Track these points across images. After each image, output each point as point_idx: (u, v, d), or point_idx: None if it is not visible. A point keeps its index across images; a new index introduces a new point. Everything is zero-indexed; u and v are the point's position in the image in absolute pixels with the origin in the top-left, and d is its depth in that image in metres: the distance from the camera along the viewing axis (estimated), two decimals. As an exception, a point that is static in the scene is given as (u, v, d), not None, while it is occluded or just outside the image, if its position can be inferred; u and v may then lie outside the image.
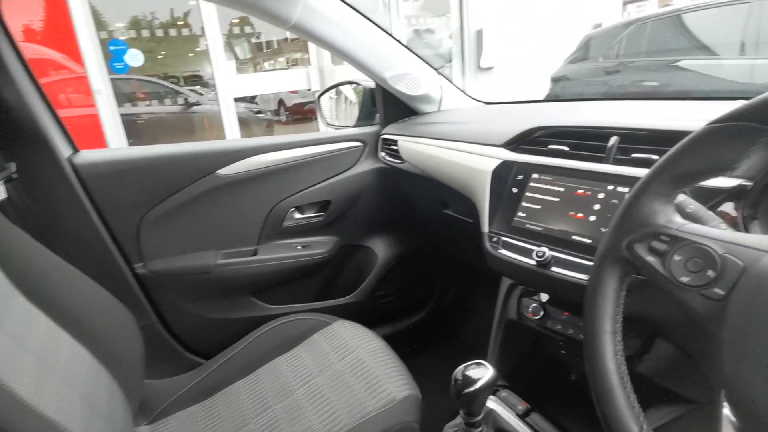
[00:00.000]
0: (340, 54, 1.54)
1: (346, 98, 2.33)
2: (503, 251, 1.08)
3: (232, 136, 5.27)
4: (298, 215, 1.81)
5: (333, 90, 2.34)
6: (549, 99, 1.61)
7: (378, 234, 1.94)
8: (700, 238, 0.57)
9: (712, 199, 0.83)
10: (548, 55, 5.61)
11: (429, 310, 2.09)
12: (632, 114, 1.17)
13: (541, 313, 1.13)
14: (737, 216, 0.80)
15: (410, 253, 1.96)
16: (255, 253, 1.74)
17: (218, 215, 1.68)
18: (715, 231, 0.57)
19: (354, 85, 1.99)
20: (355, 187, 1.82)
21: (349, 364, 1.19)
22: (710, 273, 0.54)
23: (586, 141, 1.05)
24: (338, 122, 2.12)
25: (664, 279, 0.58)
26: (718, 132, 0.56)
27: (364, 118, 1.91)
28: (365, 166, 1.83)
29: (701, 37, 3.80)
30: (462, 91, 1.84)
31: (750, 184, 0.80)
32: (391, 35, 1.61)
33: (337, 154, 1.79)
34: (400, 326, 2.03)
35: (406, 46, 1.67)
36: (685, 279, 0.56)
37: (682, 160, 0.59)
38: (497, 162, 1.18)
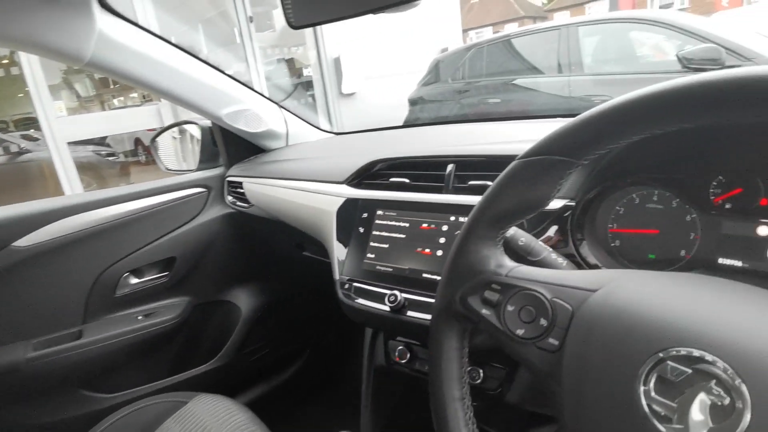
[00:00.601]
0: (158, 92, 1.35)
1: (191, 137, 2.10)
2: (358, 299, 0.98)
3: (70, 185, 4.57)
4: (134, 280, 1.54)
5: (176, 129, 2.09)
6: (398, 126, 1.57)
7: (237, 286, 1.74)
8: (529, 283, 0.52)
9: (540, 223, 0.83)
10: (406, 79, 5.89)
11: (306, 359, 1.93)
12: (469, 139, 1.18)
13: (408, 355, 1.06)
14: (569, 239, 0.81)
15: (277, 301, 1.79)
16: (79, 336, 1.43)
17: (23, 297, 1.35)
18: (543, 272, 0.53)
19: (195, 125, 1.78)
20: (204, 238, 1.61)
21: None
22: (543, 322, 0.50)
23: (425, 171, 1.02)
24: (178, 166, 1.88)
25: (501, 333, 0.53)
26: (526, 167, 0.52)
27: (207, 160, 1.72)
28: (212, 213, 1.63)
29: (529, 58, 4.29)
30: (309, 123, 1.75)
31: (573, 203, 0.82)
32: (221, 71, 1.46)
33: (177, 204, 1.57)
34: (275, 382, 1.83)
35: (241, 82, 1.53)
36: (520, 331, 0.51)
37: (498, 200, 0.54)
38: (341, 200, 1.10)
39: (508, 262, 0.56)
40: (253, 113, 1.54)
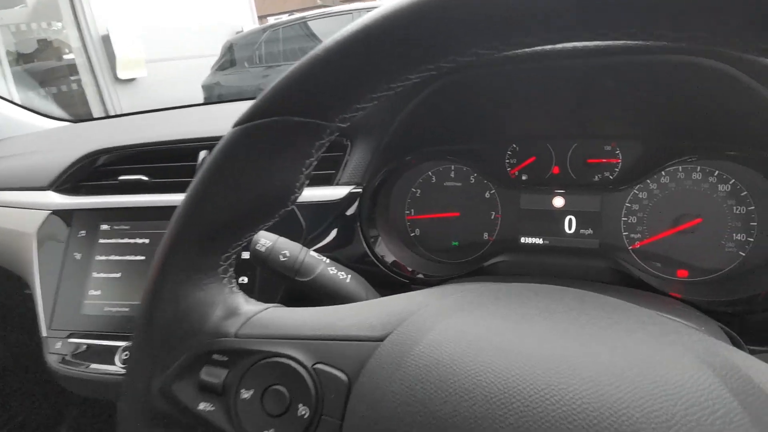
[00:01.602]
0: None
1: None
2: (78, 366, 0.65)
3: None
4: None
5: None
6: (162, 108, 1.18)
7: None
8: (273, 344, 0.30)
9: (320, 220, 0.63)
10: (199, 63, 5.23)
11: (68, 428, 1.44)
12: (227, 117, 0.90)
13: None
14: (359, 238, 0.63)
15: None
16: None
17: None
18: (299, 318, 0.32)
19: None
20: None
21: None
22: (303, 411, 0.28)
23: (169, 163, 0.72)
24: None
25: None
26: (249, 137, 0.29)
27: None
28: None
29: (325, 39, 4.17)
30: (28, 109, 1.25)
31: (359, 190, 0.64)
32: None
33: None
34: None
35: None
36: None
37: (212, 200, 0.30)
38: (44, 215, 0.73)
39: (246, 307, 0.33)
40: None
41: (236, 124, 0.30)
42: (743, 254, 0.58)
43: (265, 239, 0.46)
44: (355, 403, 0.27)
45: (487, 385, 0.24)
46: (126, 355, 0.59)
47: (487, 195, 0.68)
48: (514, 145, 0.67)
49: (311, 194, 0.64)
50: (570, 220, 0.64)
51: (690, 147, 0.57)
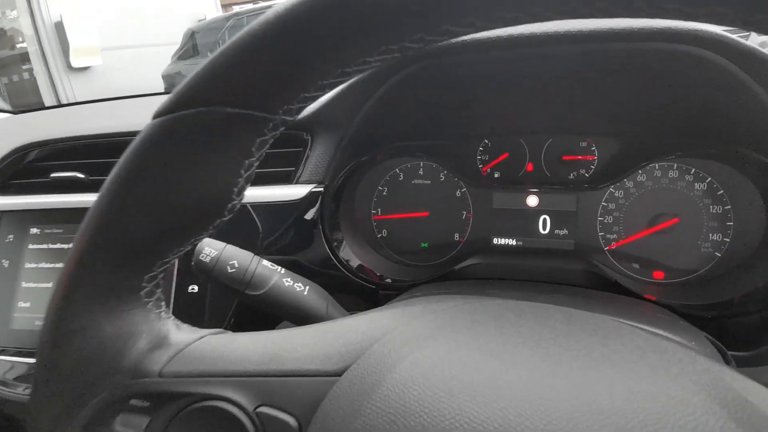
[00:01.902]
0: None
1: None
2: (11, 389, 0.58)
3: None
4: None
5: None
6: (112, 98, 1.08)
7: None
8: (207, 384, 0.25)
9: (279, 223, 0.58)
10: (159, 51, 5.01)
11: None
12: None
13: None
14: (322, 242, 0.58)
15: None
16: None
17: None
18: (240, 349, 0.26)
19: None
20: None
21: None
22: None
23: (110, 158, 0.65)
24: None
25: None
26: (172, 136, 0.24)
27: None
28: None
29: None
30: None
31: (321, 189, 0.58)
32: None
33: None
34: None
35: None
36: None
37: (128, 212, 0.25)
38: (-38, 219, 0.65)
39: (176, 336, 0.28)
40: None
41: (154, 116, 0.24)
42: (719, 255, 0.56)
43: (210, 248, 0.41)
44: None
45: None
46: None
47: (457, 194, 0.64)
48: (486, 141, 0.63)
49: (268, 194, 0.58)
50: (544, 220, 0.61)
51: (668, 144, 0.55)
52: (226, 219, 0.26)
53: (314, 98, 0.24)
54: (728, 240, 0.55)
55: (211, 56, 0.23)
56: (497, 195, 0.62)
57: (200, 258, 0.40)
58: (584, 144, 0.60)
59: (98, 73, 5.15)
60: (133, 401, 0.25)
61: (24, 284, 0.61)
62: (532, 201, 0.61)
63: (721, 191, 0.55)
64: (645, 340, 0.25)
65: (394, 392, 0.22)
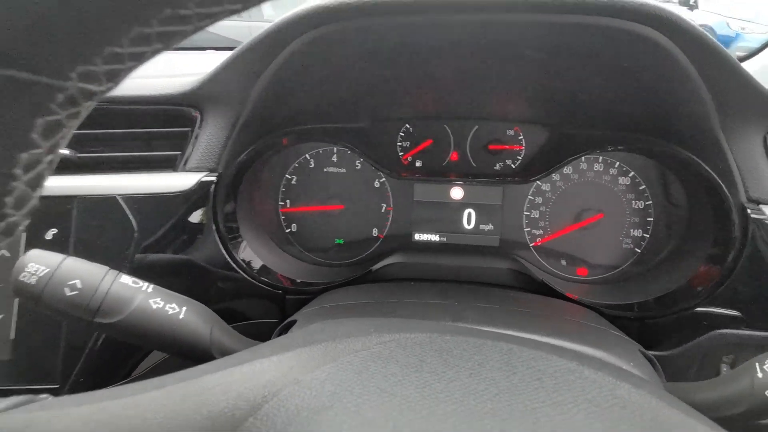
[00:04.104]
0: None
1: None
2: None
3: None
4: None
5: None
6: None
7: None
8: None
9: (161, 222, 0.47)
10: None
11: None
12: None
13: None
14: (215, 240, 0.48)
15: None
16: None
17: None
18: (63, 424, 0.17)
19: None
20: None
21: None
22: None
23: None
24: None
25: None
26: None
27: None
28: None
29: None
30: None
31: (214, 177, 0.48)
32: None
33: None
34: None
35: None
36: None
37: None
38: None
39: None
40: None
41: None
42: (638, 251, 0.55)
43: (36, 264, 0.29)
44: None
45: None
46: None
47: (376, 184, 0.57)
48: (407, 126, 0.56)
49: (146, 184, 0.47)
50: (469, 214, 0.56)
51: (597, 136, 0.52)
52: None
53: (137, 57, 0.15)
54: (648, 236, 0.54)
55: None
56: (419, 186, 0.56)
57: (21, 279, 0.29)
58: (511, 132, 0.55)
59: None
60: None
61: None
62: (457, 193, 0.56)
63: (643, 186, 0.54)
64: (593, 383, 0.20)
65: None
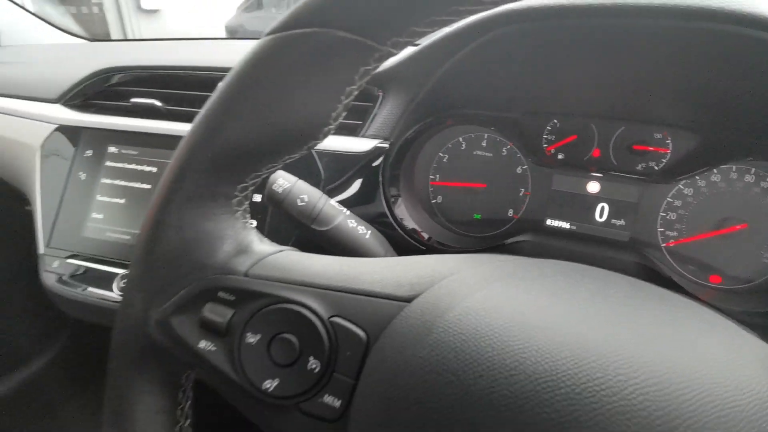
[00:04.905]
0: None
1: None
2: (75, 287, 0.63)
3: None
4: None
5: None
6: (186, 38, 1.12)
7: None
8: (287, 289, 0.27)
9: (340, 173, 0.59)
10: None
11: (60, 347, 1.45)
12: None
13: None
14: (380, 196, 0.59)
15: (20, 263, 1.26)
16: None
17: None
18: (317, 265, 0.28)
19: None
20: None
21: None
22: (313, 364, 0.26)
23: (188, 91, 0.68)
24: None
25: (233, 386, 0.27)
26: (283, 50, 0.25)
27: None
28: None
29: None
30: (46, 21, 1.20)
31: (386, 145, 0.60)
32: None
33: None
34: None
35: None
36: (269, 384, 0.26)
37: (231, 121, 0.26)
38: (50, 129, 0.69)
39: (259, 246, 0.30)
40: None
41: (269, 33, 0.26)
42: (782, 267, 0.54)
43: (283, 179, 0.43)
44: (373, 364, 0.24)
45: (531, 365, 0.20)
46: (124, 282, 0.56)
47: (518, 170, 0.64)
48: (555, 121, 0.62)
49: (333, 144, 0.59)
50: (602, 208, 0.60)
51: (750, 145, 0.52)
52: (319, 142, 0.27)
53: (421, 34, 0.25)
54: (795, 254, 0.53)
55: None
56: (558, 176, 0.62)
57: (273, 188, 0.42)
58: (659, 136, 0.58)
59: (164, 16, 5.27)
60: (221, 294, 0.27)
61: (99, 198, 0.65)
62: (593, 187, 0.60)
63: (798, 203, 0.53)
64: (716, 318, 0.25)
65: (465, 317, 0.23)
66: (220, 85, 0.26)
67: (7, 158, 0.74)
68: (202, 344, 0.27)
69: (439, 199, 0.67)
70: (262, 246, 0.30)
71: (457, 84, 0.57)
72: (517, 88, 0.60)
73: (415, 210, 0.64)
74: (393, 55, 0.25)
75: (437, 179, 0.67)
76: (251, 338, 0.26)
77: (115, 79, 0.72)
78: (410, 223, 0.61)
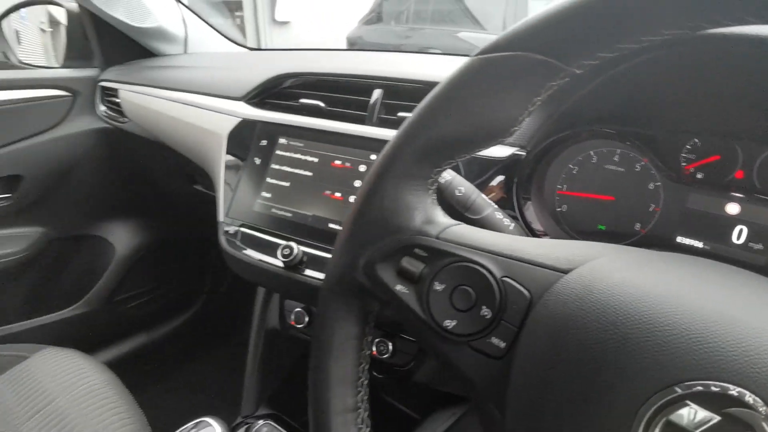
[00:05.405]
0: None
1: (59, 24, 1.67)
2: (245, 250, 0.77)
3: None
4: (-40, 199, 1.19)
5: (45, 16, 1.65)
6: (328, 48, 1.28)
7: (111, 219, 1.44)
8: (470, 252, 0.34)
9: (481, 173, 0.66)
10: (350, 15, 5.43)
11: (197, 310, 1.69)
12: (404, 67, 0.96)
13: (306, 320, 0.88)
14: (513, 198, 0.65)
15: (162, 241, 1.52)
16: None
17: None
18: (492, 238, 0.36)
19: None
20: (64, 156, 1.28)
21: (43, 422, 0.76)
22: (486, 312, 0.33)
23: (345, 95, 0.80)
24: (37, 59, 1.47)
25: (420, 322, 0.35)
26: (487, 69, 0.33)
27: (76, 57, 1.34)
28: (77, 125, 1.29)
29: (475, 12, 4.07)
30: (219, 32, 1.43)
31: (523, 153, 0.65)
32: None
33: (29, 106, 1.21)
34: (156, 335, 1.59)
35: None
36: (449, 323, 0.34)
37: (437, 120, 0.35)
38: (235, 121, 0.85)
39: (442, 218, 0.38)
40: (137, 1, 1.20)
41: (479, 53, 0.33)
42: None
43: (446, 173, 0.51)
44: (537, 316, 0.30)
45: (685, 324, 0.25)
46: (287, 251, 0.68)
47: (650, 186, 0.65)
48: (696, 140, 0.63)
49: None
50: (740, 230, 0.60)
51: None
52: (508, 139, 0.34)
53: (601, 59, 0.31)
54: None
55: (540, 11, 0.31)
56: (694, 195, 0.62)
57: (438, 179, 0.51)
58: (814, 162, 0.57)
59: (293, 28, 5.78)
60: (416, 250, 0.35)
61: (268, 180, 0.79)
62: (733, 209, 0.60)
63: None
64: None
65: (620, 285, 0.28)
66: (435, 89, 0.35)
67: (198, 143, 0.92)
68: (399, 287, 0.35)
69: (564, 207, 0.71)
70: (444, 219, 0.38)
71: (600, 101, 0.61)
72: (658, 106, 0.62)
73: (543, 215, 0.69)
74: (577, 74, 0.32)
75: (564, 189, 0.70)
76: (438, 286, 0.34)
77: (288, 83, 0.86)
78: (538, 227, 0.66)
